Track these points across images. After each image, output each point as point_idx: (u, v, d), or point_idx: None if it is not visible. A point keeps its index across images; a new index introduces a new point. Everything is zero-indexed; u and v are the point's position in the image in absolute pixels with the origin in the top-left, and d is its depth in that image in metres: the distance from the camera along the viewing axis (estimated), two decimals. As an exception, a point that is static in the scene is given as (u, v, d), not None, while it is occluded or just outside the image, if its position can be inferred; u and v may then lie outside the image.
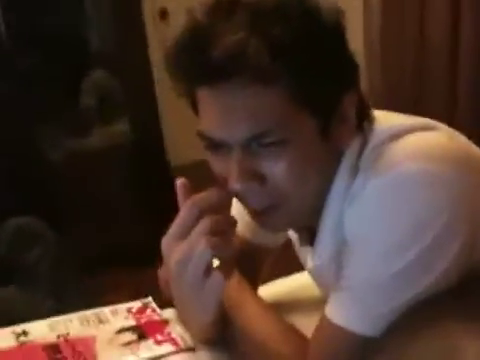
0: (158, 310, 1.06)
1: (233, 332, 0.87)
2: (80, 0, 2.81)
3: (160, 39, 2.88)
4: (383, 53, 2.79)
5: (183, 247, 0.74)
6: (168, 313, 1.05)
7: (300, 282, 1.04)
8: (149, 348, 0.93)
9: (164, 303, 1.11)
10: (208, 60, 0.67)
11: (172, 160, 2.88)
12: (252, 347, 0.84)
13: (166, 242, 0.78)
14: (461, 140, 0.79)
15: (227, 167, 0.72)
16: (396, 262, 0.69)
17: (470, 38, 2.50)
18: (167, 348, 0.92)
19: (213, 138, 0.73)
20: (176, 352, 0.92)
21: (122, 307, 1.09)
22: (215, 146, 0.74)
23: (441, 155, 0.71)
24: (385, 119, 0.80)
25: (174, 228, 0.76)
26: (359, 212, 0.73)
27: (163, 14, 3.42)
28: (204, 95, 0.72)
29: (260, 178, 0.72)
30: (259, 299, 0.90)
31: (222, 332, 0.88)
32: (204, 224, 0.72)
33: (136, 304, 1.09)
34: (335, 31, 0.72)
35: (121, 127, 2.80)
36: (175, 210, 2.80)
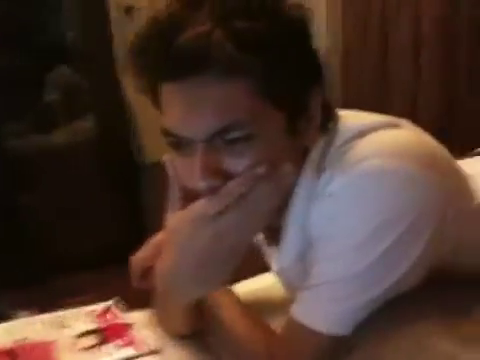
0: (121, 313, 1.05)
1: (206, 327, 0.87)
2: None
3: (125, 34, 2.85)
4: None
5: (209, 200, 0.70)
6: (134, 316, 1.04)
7: (265, 283, 1.03)
8: (110, 352, 0.91)
9: (131, 303, 1.10)
10: (172, 52, 0.65)
11: (148, 157, 2.84)
12: (228, 345, 0.83)
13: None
14: (425, 137, 0.79)
15: (190, 165, 0.70)
16: (360, 260, 0.69)
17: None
18: (128, 352, 0.90)
19: (177, 135, 0.71)
20: (139, 356, 0.90)
21: (85, 310, 1.07)
22: (179, 144, 0.72)
23: (405, 152, 0.71)
24: (350, 118, 0.79)
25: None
26: (324, 210, 0.72)
27: (129, 9, 3.39)
28: (168, 89, 0.70)
29: (224, 175, 0.70)
30: (233, 295, 0.89)
31: (196, 327, 0.89)
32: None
33: (99, 307, 1.07)
34: (300, 28, 0.72)
35: (86, 123, 2.75)
36: (139, 209, 2.78)
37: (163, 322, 0.98)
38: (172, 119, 0.71)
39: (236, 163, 0.70)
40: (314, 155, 0.75)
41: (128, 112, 2.70)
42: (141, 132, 2.91)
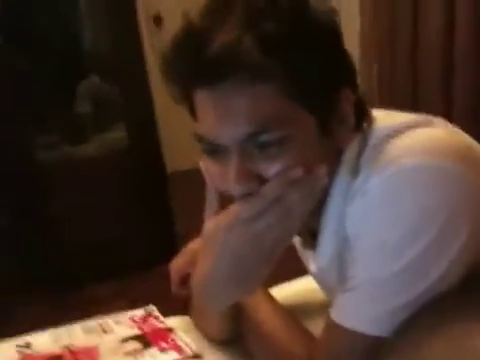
0: (161, 318, 1.06)
1: (245, 331, 0.88)
2: (75, 5, 2.80)
3: (154, 44, 2.89)
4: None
5: (243, 204, 0.71)
6: (172, 321, 1.05)
7: (303, 286, 1.04)
8: (153, 356, 0.93)
9: (168, 309, 1.11)
10: (203, 60, 0.67)
11: (168, 167, 2.87)
12: (263, 346, 0.84)
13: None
14: (459, 134, 0.79)
15: (224, 171, 0.72)
16: (399, 259, 0.69)
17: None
18: (172, 355, 0.92)
19: (211, 141, 0.72)
20: (181, 359, 0.92)
21: (125, 316, 1.08)
22: (213, 150, 0.73)
23: (439, 149, 0.71)
24: (384, 118, 0.80)
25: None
26: (360, 210, 0.72)
27: (157, 19, 3.43)
28: (201, 97, 0.72)
29: (258, 180, 0.71)
30: (272, 299, 0.90)
31: (235, 332, 0.90)
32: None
33: (139, 312, 1.09)
34: (328, 29, 0.72)
35: (117, 133, 2.79)
36: (171, 217, 2.79)
37: (201, 328, 1.00)
38: (205, 126, 0.72)
39: (270, 167, 0.70)
40: (349, 156, 0.76)
41: (158, 122, 2.73)
42: (168, 141, 2.94)
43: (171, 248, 2.71)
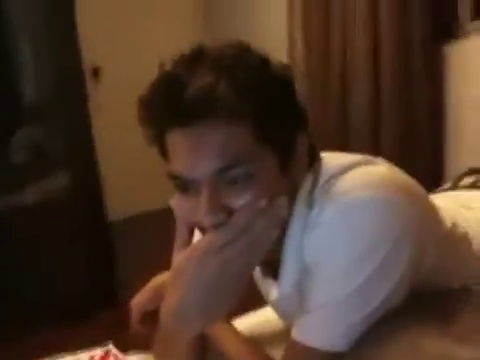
0: (121, 355, 1.08)
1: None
2: (14, 55, 2.80)
3: (92, 95, 2.91)
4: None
5: (217, 232, 0.77)
6: (133, 358, 1.07)
7: (261, 317, 1.09)
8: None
9: (126, 346, 1.13)
10: (181, 102, 0.74)
11: (109, 215, 2.87)
12: None
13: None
14: (399, 172, 0.89)
15: (195, 205, 0.78)
16: (350, 282, 0.77)
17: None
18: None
19: (184, 177, 0.79)
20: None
21: (84, 355, 1.09)
22: (185, 185, 0.79)
23: (384, 183, 0.81)
24: (332, 157, 0.89)
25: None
26: (316, 239, 0.81)
27: (95, 71, 3.49)
28: (176, 137, 0.78)
29: (227, 211, 0.78)
30: (232, 327, 0.96)
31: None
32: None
33: (97, 352, 1.10)
34: (286, 81, 0.82)
35: (59, 182, 2.77)
36: (112, 265, 2.77)
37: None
38: (179, 163, 0.79)
39: (238, 199, 0.77)
40: (304, 190, 0.84)
41: (100, 170, 2.74)
42: (109, 190, 2.95)
43: (111, 295, 2.70)
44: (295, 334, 0.82)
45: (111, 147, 3.23)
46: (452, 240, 0.91)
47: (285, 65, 0.83)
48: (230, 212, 0.77)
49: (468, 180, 1.24)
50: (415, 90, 2.64)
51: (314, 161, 0.87)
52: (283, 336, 0.99)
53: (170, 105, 0.76)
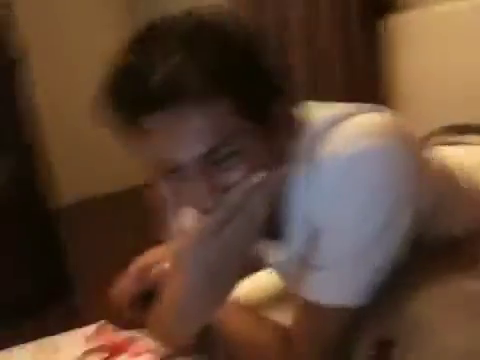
0: (115, 331, 1.06)
1: (214, 339, 0.91)
2: None
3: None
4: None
5: (214, 214, 0.76)
6: (129, 333, 1.05)
7: (260, 280, 1.10)
8: (128, 362, 0.93)
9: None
10: (150, 90, 0.71)
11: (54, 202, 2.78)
12: (243, 353, 0.88)
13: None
14: (396, 118, 0.87)
15: (190, 189, 0.77)
16: (360, 233, 0.78)
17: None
18: (147, 358, 0.93)
19: (169, 163, 0.77)
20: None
21: (76, 333, 1.07)
22: (169, 171, 0.78)
23: (386, 131, 0.80)
24: (320, 108, 0.88)
25: None
26: (320, 196, 0.80)
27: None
28: (151, 125, 0.75)
29: (224, 189, 0.77)
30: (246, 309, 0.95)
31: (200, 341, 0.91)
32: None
33: (90, 328, 1.08)
34: (251, 46, 0.79)
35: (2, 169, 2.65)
36: (61, 253, 2.66)
37: (161, 336, 0.98)
38: (162, 150, 0.76)
39: (229, 177, 0.77)
40: (297, 150, 0.83)
41: (41, 156, 2.65)
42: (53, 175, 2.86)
43: (64, 284, 2.62)
44: (307, 294, 0.82)
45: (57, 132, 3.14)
46: (447, 177, 0.93)
47: (244, 25, 0.81)
48: (224, 189, 0.77)
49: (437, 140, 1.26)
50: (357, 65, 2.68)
51: (299, 119, 0.85)
52: (280, 299, 1.00)
53: (139, 94, 0.73)
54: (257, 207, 0.77)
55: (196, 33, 0.75)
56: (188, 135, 0.74)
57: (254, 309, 0.96)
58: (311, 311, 0.82)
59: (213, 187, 0.76)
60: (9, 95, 2.54)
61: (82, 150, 3.53)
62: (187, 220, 0.90)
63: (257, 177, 0.76)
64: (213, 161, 0.75)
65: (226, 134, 0.75)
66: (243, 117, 0.76)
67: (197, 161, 0.75)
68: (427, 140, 1.24)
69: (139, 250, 1.10)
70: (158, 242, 1.07)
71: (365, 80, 2.68)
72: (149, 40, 0.76)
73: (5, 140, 2.58)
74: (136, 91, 0.73)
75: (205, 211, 0.78)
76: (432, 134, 1.25)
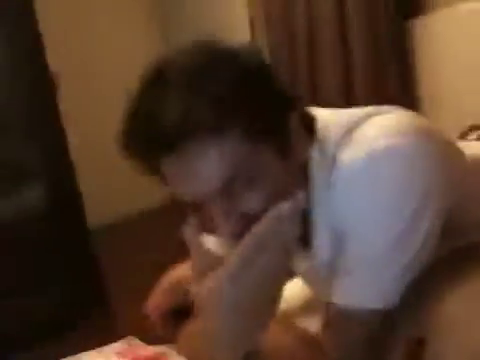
0: (146, 346, 1.05)
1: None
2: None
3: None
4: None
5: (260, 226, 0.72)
6: (159, 348, 1.03)
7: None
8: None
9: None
10: (160, 133, 0.72)
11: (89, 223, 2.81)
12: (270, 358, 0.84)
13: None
14: (417, 116, 0.87)
15: (205, 218, 0.78)
16: (387, 233, 0.77)
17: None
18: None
19: (188, 199, 0.78)
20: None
21: (103, 350, 1.06)
22: (193, 205, 0.79)
23: (407, 130, 0.80)
24: (331, 118, 0.86)
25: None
26: (344, 201, 0.79)
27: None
28: (167, 164, 0.77)
29: (243, 215, 0.77)
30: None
31: None
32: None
33: (120, 345, 1.07)
34: (261, 71, 0.80)
35: (35, 192, 2.69)
36: (92, 275, 2.71)
37: (190, 353, 0.95)
38: (179, 188, 0.78)
39: (248, 202, 0.77)
40: (315, 160, 0.82)
41: (76, 178, 2.68)
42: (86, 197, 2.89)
43: (101, 304, 2.64)
44: (337, 299, 0.80)
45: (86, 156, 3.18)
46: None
47: (255, 50, 0.81)
48: (244, 215, 0.76)
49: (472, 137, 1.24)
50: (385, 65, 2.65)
51: (314, 129, 0.84)
52: (307, 308, 0.98)
53: (150, 138, 0.74)
54: (290, 233, 0.74)
55: (205, 66, 0.75)
56: (203, 171, 0.74)
57: (281, 318, 0.94)
58: (340, 316, 0.80)
59: (230, 212, 0.76)
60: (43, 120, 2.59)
61: (113, 170, 3.58)
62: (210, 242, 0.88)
63: (286, 204, 0.73)
64: (229, 191, 0.75)
65: (239, 164, 0.74)
66: (257, 141, 0.76)
67: (212, 197, 0.75)
68: (458, 138, 1.22)
69: (171, 265, 1.11)
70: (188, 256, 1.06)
71: (393, 80, 2.66)
72: (159, 80, 0.76)
73: (41, 163, 2.63)
74: (149, 135, 0.73)
75: (232, 236, 0.77)
76: (463, 133, 1.23)
